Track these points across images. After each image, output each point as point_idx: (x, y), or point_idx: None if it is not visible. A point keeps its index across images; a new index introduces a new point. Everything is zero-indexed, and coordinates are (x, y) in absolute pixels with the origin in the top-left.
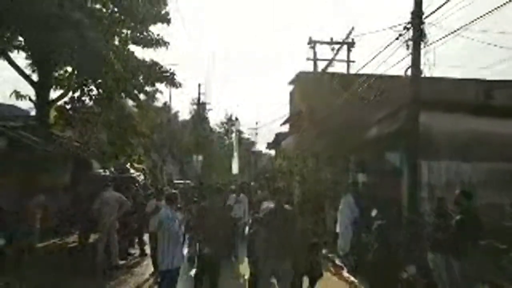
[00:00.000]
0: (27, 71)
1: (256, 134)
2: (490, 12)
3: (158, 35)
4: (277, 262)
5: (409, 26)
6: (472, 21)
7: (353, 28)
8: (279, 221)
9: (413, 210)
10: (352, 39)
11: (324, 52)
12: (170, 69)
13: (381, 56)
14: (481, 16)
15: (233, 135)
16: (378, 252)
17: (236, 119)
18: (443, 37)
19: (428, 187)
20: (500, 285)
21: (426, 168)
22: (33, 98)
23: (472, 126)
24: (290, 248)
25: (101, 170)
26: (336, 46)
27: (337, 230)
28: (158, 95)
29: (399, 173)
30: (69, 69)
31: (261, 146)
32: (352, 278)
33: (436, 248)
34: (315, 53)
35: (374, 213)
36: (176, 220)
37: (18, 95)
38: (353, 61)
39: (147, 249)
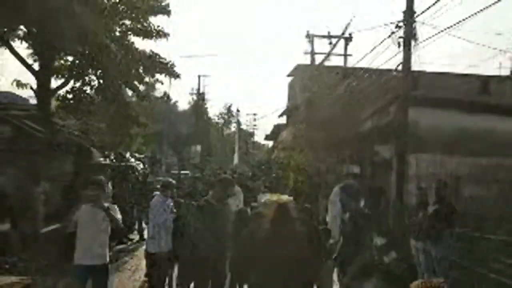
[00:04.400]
0: (29, 60)
1: (255, 125)
2: (475, 13)
3: (158, 26)
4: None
5: (400, 24)
6: (458, 22)
7: (349, 23)
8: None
9: (400, 200)
10: (350, 34)
11: (322, 43)
12: (170, 61)
13: (376, 51)
14: (467, 17)
15: (232, 125)
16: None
17: (238, 110)
18: (433, 36)
19: (415, 179)
20: (472, 270)
21: (414, 161)
22: (34, 87)
23: (459, 122)
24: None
25: (102, 159)
26: (334, 40)
27: (327, 219)
28: (158, 85)
29: (388, 165)
30: (70, 58)
31: (259, 138)
32: None
33: (416, 234)
34: (312, 47)
35: (361, 203)
36: (168, 208)
37: (19, 83)
38: (350, 55)
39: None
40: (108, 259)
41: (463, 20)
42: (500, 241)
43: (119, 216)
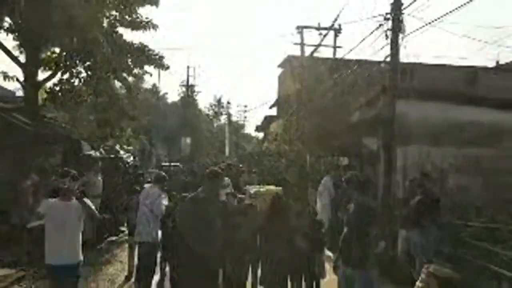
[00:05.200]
0: (15, 52)
1: (245, 117)
2: (461, 6)
3: (146, 18)
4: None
5: (388, 16)
6: (445, 14)
7: (338, 15)
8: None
9: (388, 192)
10: (339, 25)
11: (312, 35)
12: (159, 52)
13: (365, 43)
14: (453, 10)
15: (222, 117)
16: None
17: (228, 102)
18: (420, 28)
19: (402, 170)
20: (456, 256)
21: (401, 153)
22: (21, 79)
23: (446, 113)
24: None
25: (91, 152)
26: (323, 32)
27: (316, 209)
28: (146, 77)
29: (376, 157)
30: (57, 50)
31: (249, 129)
32: (328, 253)
33: (403, 224)
34: (302, 38)
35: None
36: (162, 200)
37: (5, 76)
38: (339, 47)
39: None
40: (80, 257)
41: (450, 12)
42: (482, 228)
43: (93, 207)
